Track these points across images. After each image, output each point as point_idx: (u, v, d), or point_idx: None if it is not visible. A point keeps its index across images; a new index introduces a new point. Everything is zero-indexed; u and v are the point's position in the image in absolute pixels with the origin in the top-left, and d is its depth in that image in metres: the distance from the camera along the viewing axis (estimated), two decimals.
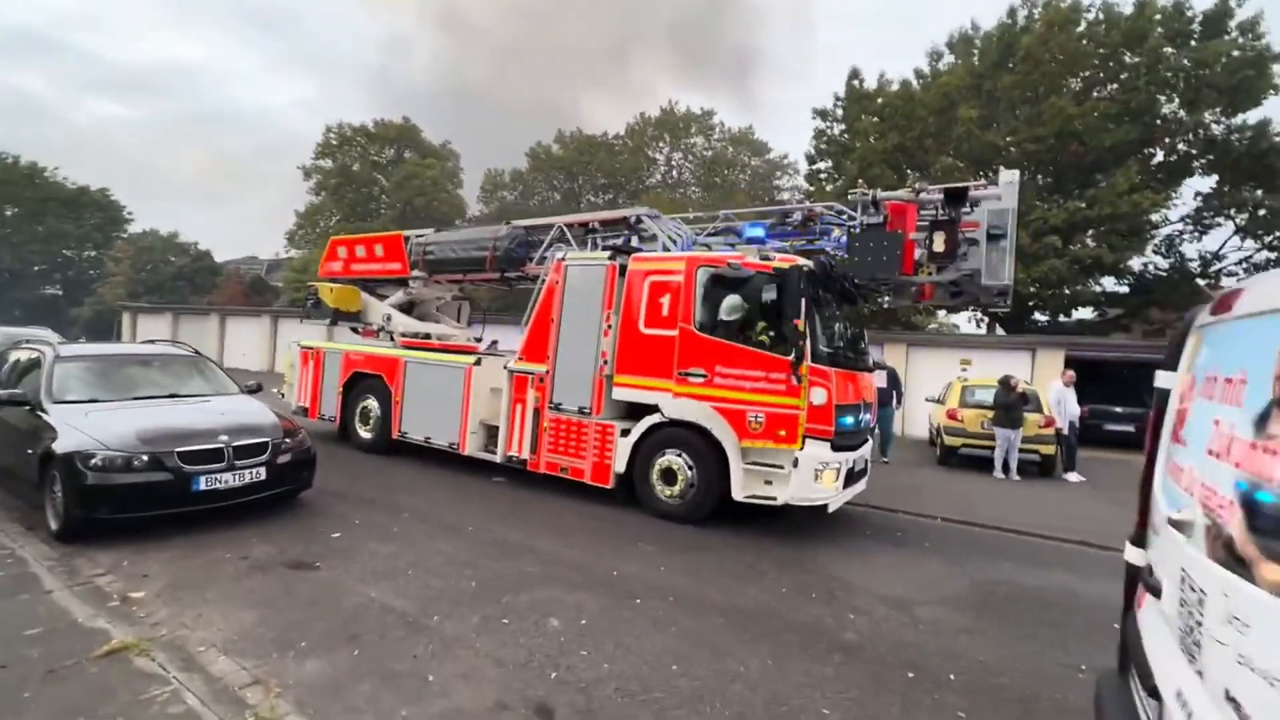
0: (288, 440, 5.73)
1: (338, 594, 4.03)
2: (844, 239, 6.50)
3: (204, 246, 46.40)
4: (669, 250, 7.09)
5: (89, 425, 4.97)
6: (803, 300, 5.59)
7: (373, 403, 8.81)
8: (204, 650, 3.21)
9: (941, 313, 26.91)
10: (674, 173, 42.25)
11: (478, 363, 7.80)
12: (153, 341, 7.22)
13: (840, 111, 24.18)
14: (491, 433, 7.73)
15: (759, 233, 6.40)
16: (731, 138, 39.88)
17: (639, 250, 7.03)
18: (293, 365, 10.03)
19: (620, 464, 6.44)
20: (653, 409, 6.34)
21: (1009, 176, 5.92)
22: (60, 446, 4.74)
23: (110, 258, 41.27)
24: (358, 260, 10.18)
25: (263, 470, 5.38)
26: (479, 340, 10.02)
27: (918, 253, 5.96)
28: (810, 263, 5.91)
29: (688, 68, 76.42)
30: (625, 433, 6.53)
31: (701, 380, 5.96)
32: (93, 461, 4.64)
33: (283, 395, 10.05)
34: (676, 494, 6.13)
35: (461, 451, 7.72)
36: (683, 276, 6.19)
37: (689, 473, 6.07)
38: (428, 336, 9.69)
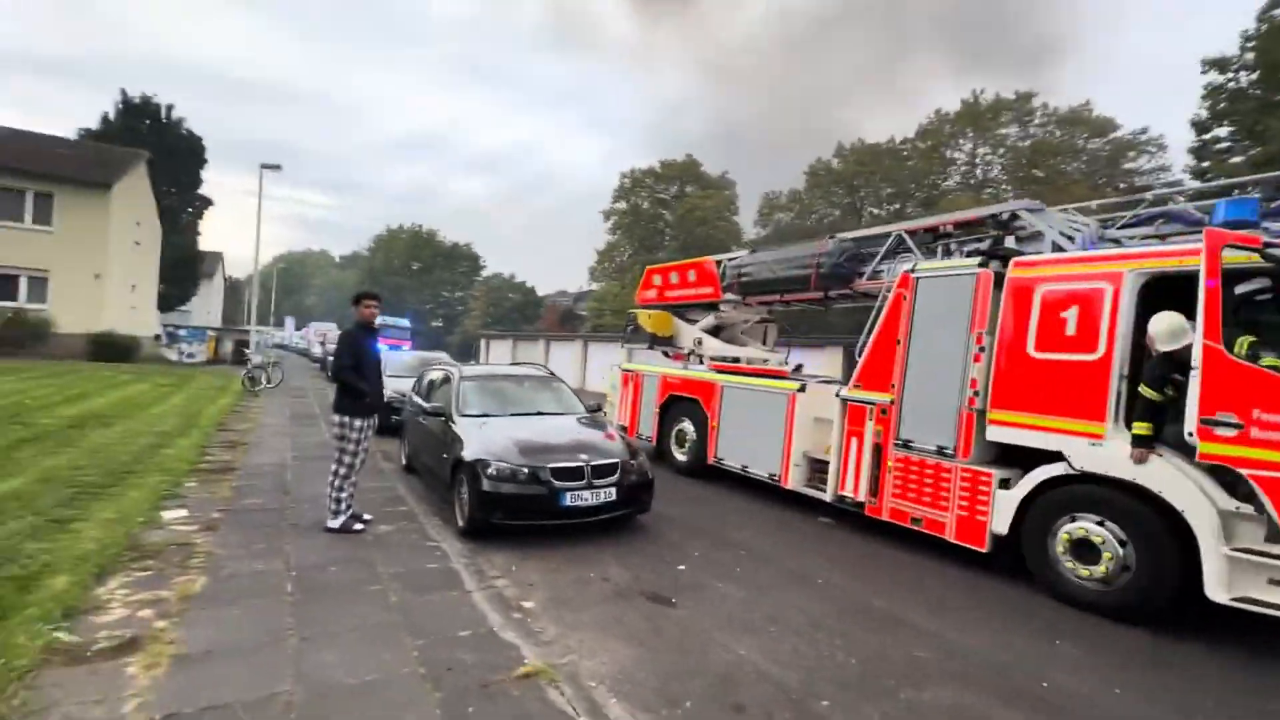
0: (633, 462, 5.84)
1: (704, 644, 3.69)
2: None
3: (530, 284, 56.34)
4: (1063, 250, 5.50)
5: (484, 437, 5.68)
6: None
7: (688, 426, 8.86)
8: (596, 686, 3.08)
9: None
10: (978, 171, 36.81)
11: (802, 389, 7.18)
12: (520, 364, 8.34)
13: (1251, 55, 17.82)
14: (817, 467, 7.00)
15: (1243, 213, 4.42)
16: (1059, 118, 33.05)
17: (1020, 253, 5.60)
18: (614, 387, 10.79)
19: (1001, 524, 5.08)
20: (1051, 457, 4.86)
21: None
22: (467, 454, 5.48)
23: (471, 296, 52.62)
24: (671, 286, 10.55)
25: (614, 491, 5.52)
26: (787, 364, 9.45)
27: None
28: None
29: (973, 60, 66.90)
30: (1005, 483, 5.16)
31: (1234, 433, 3.92)
32: (490, 471, 5.23)
33: (604, 414, 10.88)
34: (1099, 577, 4.51)
35: (783, 484, 7.15)
36: (1166, 267, 4.43)
37: (1119, 550, 4.43)
38: (736, 360, 9.46)
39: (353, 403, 5.28)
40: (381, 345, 14.27)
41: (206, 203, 37.17)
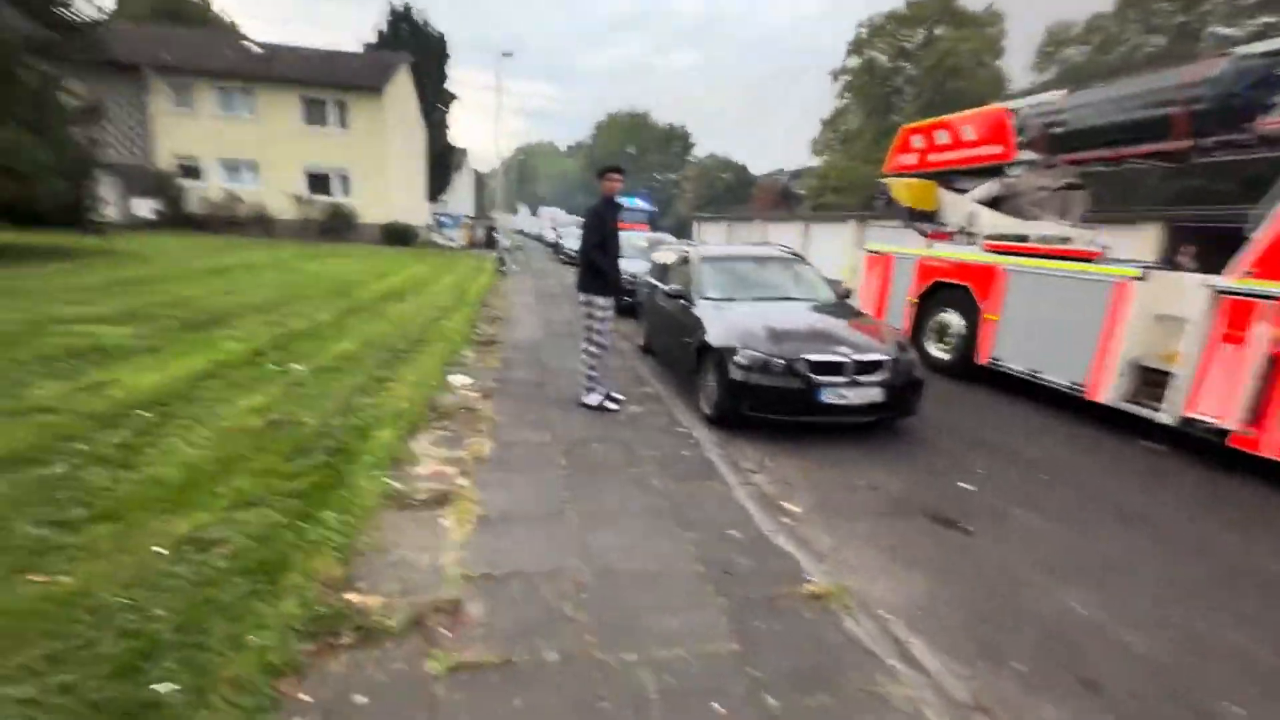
0: (902, 359, 5.00)
1: (1017, 586, 3.00)
2: None
3: (743, 162, 53.45)
4: None
5: (729, 322, 5.27)
6: None
7: (954, 319, 7.50)
8: (892, 620, 2.64)
9: None
10: None
11: (1140, 277, 5.41)
12: (761, 244, 7.67)
13: None
14: (1149, 379, 5.38)
15: None
16: None
17: None
18: (855, 271, 9.59)
19: None
20: None
21: None
22: (713, 340, 5.15)
23: (683, 178, 51.89)
24: (936, 148, 8.66)
25: (879, 390, 4.80)
26: (1098, 245, 7.32)
27: None
28: None
29: None
30: None
31: None
32: (738, 359, 4.84)
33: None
34: None
35: (1090, 396, 5.69)
36: None
37: None
38: (1023, 239, 7.58)
39: (599, 282, 5.19)
40: (646, 235, 14.33)
41: (452, 98, 40.86)
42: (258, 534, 2.73)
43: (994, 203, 8.27)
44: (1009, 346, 6.68)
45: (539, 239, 46.47)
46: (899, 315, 8.36)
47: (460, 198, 50.89)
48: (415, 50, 31.15)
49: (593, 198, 5.42)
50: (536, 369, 6.61)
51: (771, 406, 4.80)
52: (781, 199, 45.76)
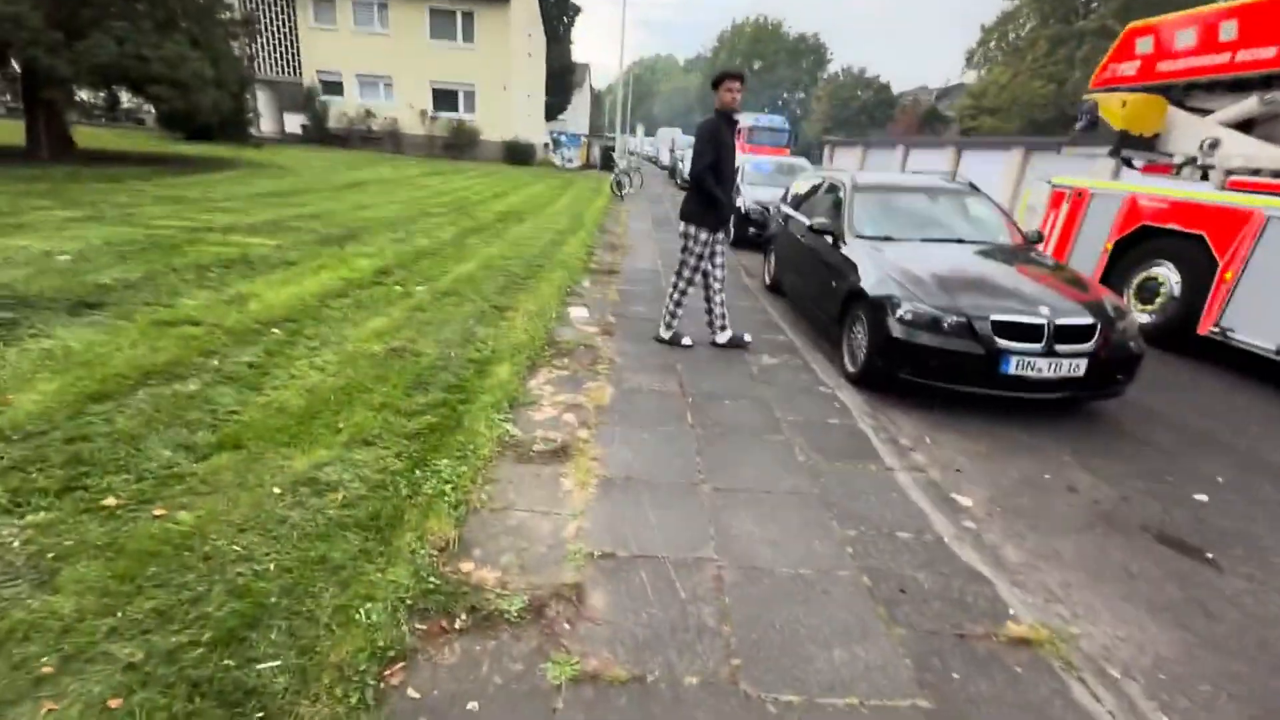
0: (1117, 326, 3.96)
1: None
2: None
3: (884, 79, 47.83)
4: None
5: (888, 266, 4.42)
6: None
7: (1167, 273, 6.04)
8: (1135, 689, 1.99)
9: None
10: None
11: None
12: (927, 174, 6.50)
13: None
14: None
15: None
16: None
17: None
18: (1033, 209, 8.04)
19: None
20: None
21: None
22: (869, 287, 4.36)
23: (815, 97, 47.46)
24: (1174, 54, 6.76)
25: (1083, 363, 3.85)
26: None
27: None
28: None
29: None
30: None
31: None
32: (900, 312, 4.04)
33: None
34: None
35: None
36: None
37: None
38: None
39: (705, 212, 4.48)
40: (750, 156, 13.13)
41: (576, 10, 39.33)
42: (373, 480, 2.52)
43: (1244, 126, 6.44)
44: (1248, 315, 5.24)
45: (655, 161, 45.05)
46: (1089, 264, 6.91)
47: (577, 115, 50.05)
48: None
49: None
50: (657, 305, 6.11)
51: (938, 373, 4.00)
52: (924, 122, 40.78)
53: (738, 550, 2.41)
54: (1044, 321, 3.82)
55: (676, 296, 4.80)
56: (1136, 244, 6.44)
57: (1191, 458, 3.76)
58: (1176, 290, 5.94)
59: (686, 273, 4.71)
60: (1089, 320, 3.87)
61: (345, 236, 7.42)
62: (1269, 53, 5.77)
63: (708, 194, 4.41)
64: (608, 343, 4.75)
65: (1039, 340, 3.82)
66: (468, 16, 24.84)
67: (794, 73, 54.18)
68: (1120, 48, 7.50)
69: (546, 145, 33.43)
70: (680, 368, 4.39)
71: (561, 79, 36.98)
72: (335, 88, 25.56)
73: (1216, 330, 5.49)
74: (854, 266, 4.70)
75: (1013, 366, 3.82)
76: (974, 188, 5.80)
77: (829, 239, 5.29)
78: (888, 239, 4.98)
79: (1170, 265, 6.03)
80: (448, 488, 2.52)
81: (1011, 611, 2.20)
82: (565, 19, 38.56)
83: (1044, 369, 3.82)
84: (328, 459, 2.62)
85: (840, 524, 2.65)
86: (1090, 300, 4.09)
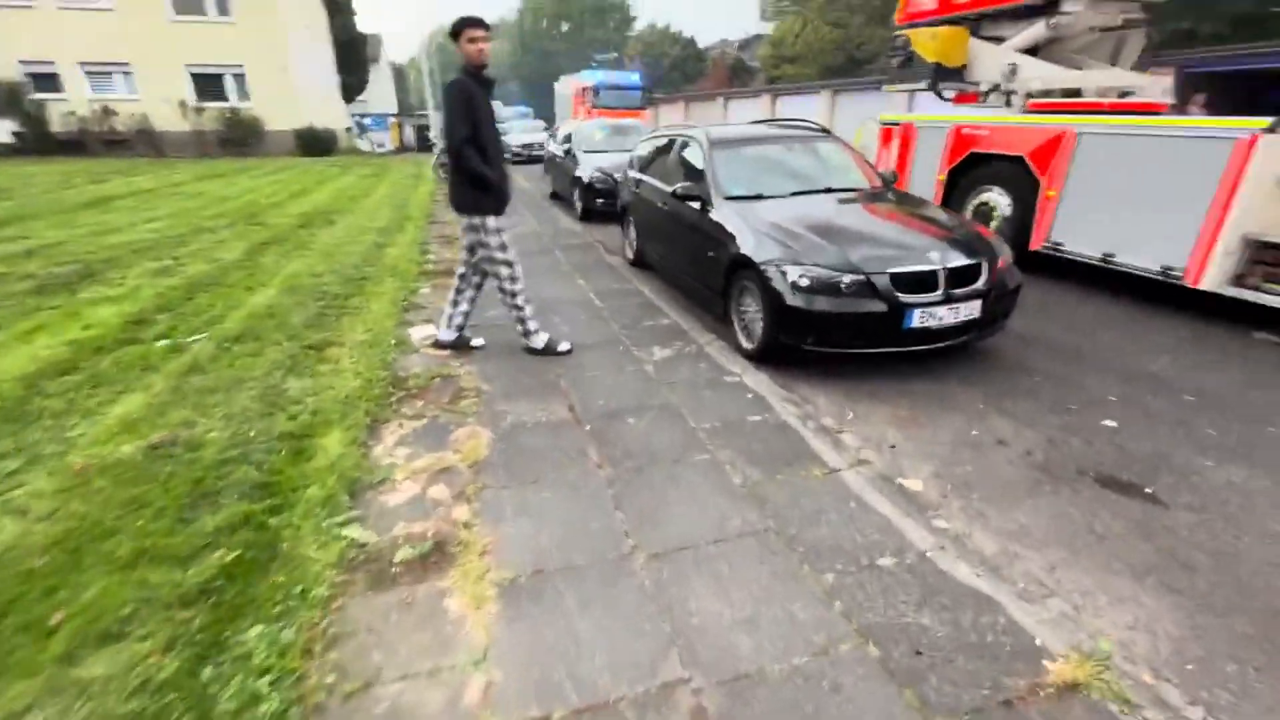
0: (997, 260, 3.87)
1: (1264, 593, 2.11)
2: None
3: (689, 35, 48.76)
4: None
5: (771, 229, 3.98)
6: None
7: (997, 198, 6.34)
8: (1161, 685, 1.70)
9: None
10: None
11: (1272, 130, 4.28)
12: (777, 121, 6.13)
13: None
14: (1265, 257, 4.45)
15: None
16: None
17: None
18: (865, 147, 8.18)
19: None
20: None
21: None
22: (752, 254, 3.89)
23: (626, 55, 47.09)
24: None
25: (977, 305, 3.70)
26: (1172, 96, 6.14)
27: None
28: None
29: None
30: None
31: None
32: (794, 278, 3.62)
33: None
34: None
35: (1192, 283, 4.74)
36: None
37: None
38: (1077, 94, 6.32)
39: (481, 195, 3.56)
40: (608, 121, 12.29)
41: None
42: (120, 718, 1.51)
43: (1034, 51, 6.89)
44: (1074, 228, 5.61)
45: None
46: (926, 196, 7.14)
47: (381, 94, 45.34)
48: None
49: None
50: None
51: (843, 339, 3.66)
52: (733, 73, 42.24)
53: (709, 653, 1.78)
54: (938, 268, 3.60)
55: (511, 301, 3.93)
56: (966, 172, 6.71)
57: (1079, 379, 3.80)
58: (1008, 212, 6.25)
59: (505, 270, 3.80)
60: (976, 260, 3.72)
61: (79, 276, 5.54)
62: None
63: (475, 173, 3.47)
64: (468, 366, 3.84)
65: (935, 288, 3.59)
66: None
67: (604, 32, 53.31)
68: None
69: (350, 130, 29.71)
70: (565, 383, 3.63)
71: (351, 54, 32.79)
72: (50, 82, 20.26)
73: (1048, 245, 5.85)
74: (729, 233, 4.21)
75: (916, 319, 3.57)
76: (826, 131, 5.58)
77: (695, 205, 4.75)
78: (758, 197, 4.54)
79: (999, 190, 6.34)
80: (264, 685, 1.59)
81: (1038, 641, 1.82)
82: None
83: (945, 317, 3.62)
84: (26, 703, 1.55)
85: (813, 567, 2.12)
86: (968, 237, 3.97)
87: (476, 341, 4.17)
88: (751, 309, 4.04)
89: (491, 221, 3.65)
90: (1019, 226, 6.10)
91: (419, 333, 4.37)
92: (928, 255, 3.65)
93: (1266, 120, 4.32)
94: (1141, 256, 5.08)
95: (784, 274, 3.67)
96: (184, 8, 20.73)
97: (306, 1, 25.48)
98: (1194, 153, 4.66)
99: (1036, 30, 6.60)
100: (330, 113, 26.08)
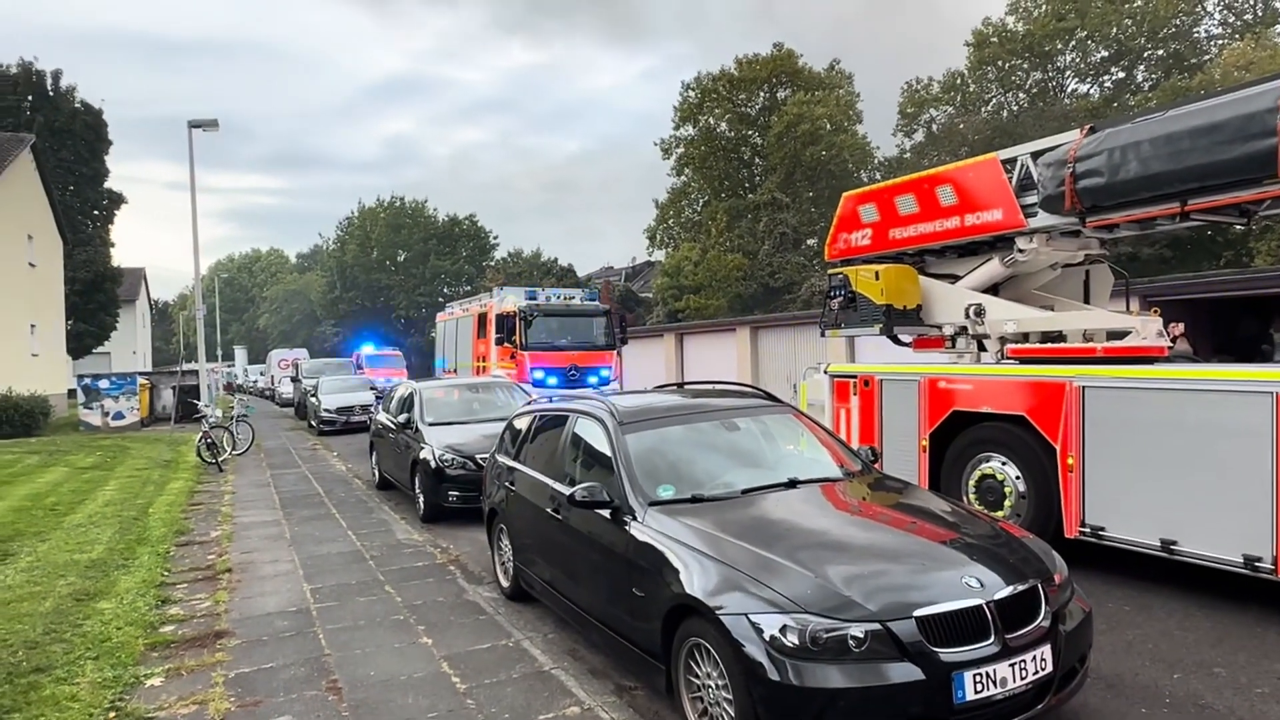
0: (1053, 575, 3.81)
1: None
2: None
3: (564, 262, 55.35)
4: None
5: (730, 557, 3.77)
6: None
7: (1002, 468, 6.73)
8: None
9: None
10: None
11: None
12: (696, 385, 6.43)
13: None
14: None
15: None
16: None
17: None
18: (814, 407, 8.76)
19: None
20: None
21: None
22: (707, 596, 3.57)
23: (482, 287, 51.81)
24: (903, 221, 8.38)
25: (1047, 650, 3.49)
26: (1165, 335, 7.20)
27: None
28: None
29: None
30: None
31: None
32: (772, 633, 3.28)
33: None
34: None
35: None
36: None
37: None
38: (1059, 338, 7.28)
39: None
40: (460, 380, 12.72)
41: (116, 200, 37.63)
42: None
43: (993, 290, 8.08)
44: (1112, 506, 5.91)
45: (269, 396, 42.87)
46: (911, 466, 7.48)
47: (130, 343, 45.72)
48: (45, 130, 28.39)
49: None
50: (320, 700, 4.41)
51: None
52: (622, 305, 47.20)
53: None
54: (980, 601, 3.42)
55: None
56: (953, 435, 7.19)
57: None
58: (1021, 486, 6.58)
59: None
60: (1028, 581, 3.61)
61: None
62: (995, 214, 7.41)
63: None
64: None
65: (986, 635, 3.37)
66: None
67: (454, 261, 59.08)
68: (845, 217, 9.17)
69: (73, 394, 28.73)
70: None
71: (101, 293, 33.62)
72: None
73: (1086, 530, 6.07)
74: (663, 558, 3.94)
75: (969, 688, 3.26)
76: (772, 397, 5.84)
77: (606, 515, 4.53)
78: (695, 500, 4.41)
79: (1002, 458, 6.75)
80: None
81: None
82: (97, 213, 36.28)
83: (1009, 678, 3.34)
84: None
85: None
86: (1003, 543, 3.95)
87: None
88: (715, 682, 3.58)
89: None
90: (1043, 506, 6.37)
91: None
92: (964, 581, 3.50)
93: None
94: (1213, 544, 5.31)
95: (757, 627, 3.33)
96: None
97: (38, 228, 26.42)
98: (1229, 409, 5.23)
99: (992, 268, 7.82)
100: (46, 373, 25.38)
